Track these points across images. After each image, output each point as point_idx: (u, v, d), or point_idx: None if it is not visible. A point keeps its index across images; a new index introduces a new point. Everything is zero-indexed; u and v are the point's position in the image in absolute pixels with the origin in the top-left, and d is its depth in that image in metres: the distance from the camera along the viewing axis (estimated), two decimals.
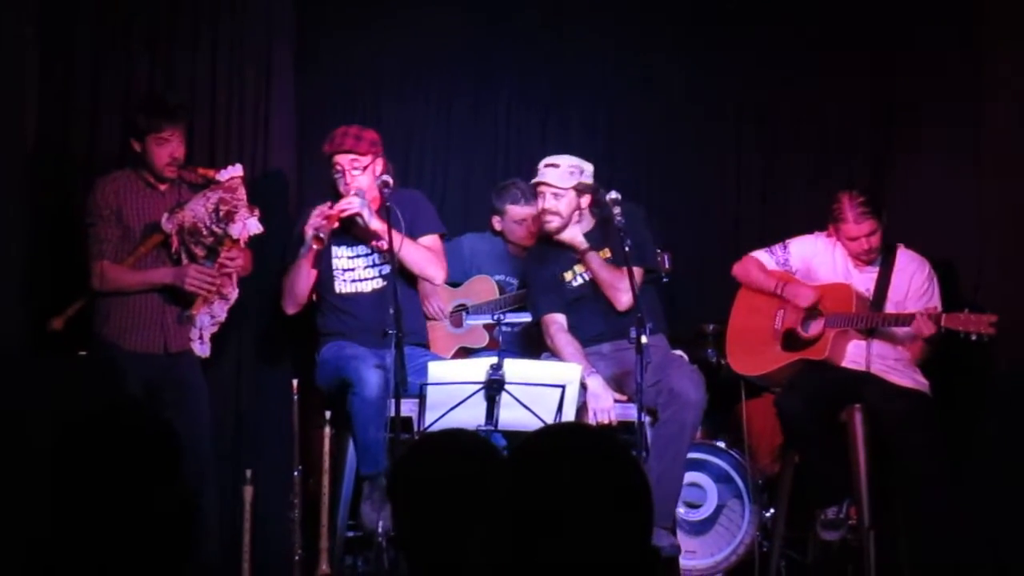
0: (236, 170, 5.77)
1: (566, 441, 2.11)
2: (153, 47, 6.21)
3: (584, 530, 1.97)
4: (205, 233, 5.67)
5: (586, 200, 6.00)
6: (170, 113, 5.74)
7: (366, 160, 5.83)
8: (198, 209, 5.66)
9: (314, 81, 7.05)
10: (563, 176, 5.95)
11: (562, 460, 2.04)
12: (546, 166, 5.97)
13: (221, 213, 5.65)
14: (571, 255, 6.02)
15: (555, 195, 5.94)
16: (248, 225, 5.69)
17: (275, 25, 6.42)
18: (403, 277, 5.81)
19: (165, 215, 5.67)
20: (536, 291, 6.14)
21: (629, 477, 2.04)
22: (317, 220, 5.73)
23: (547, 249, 6.11)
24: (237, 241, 5.69)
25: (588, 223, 6.03)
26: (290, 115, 6.49)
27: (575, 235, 5.96)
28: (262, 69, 6.37)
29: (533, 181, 6.02)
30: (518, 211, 6.67)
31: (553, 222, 5.97)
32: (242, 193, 5.71)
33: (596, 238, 5.98)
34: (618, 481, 2.03)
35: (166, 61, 6.23)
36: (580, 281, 6.03)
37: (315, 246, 5.72)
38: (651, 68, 7.46)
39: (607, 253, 5.95)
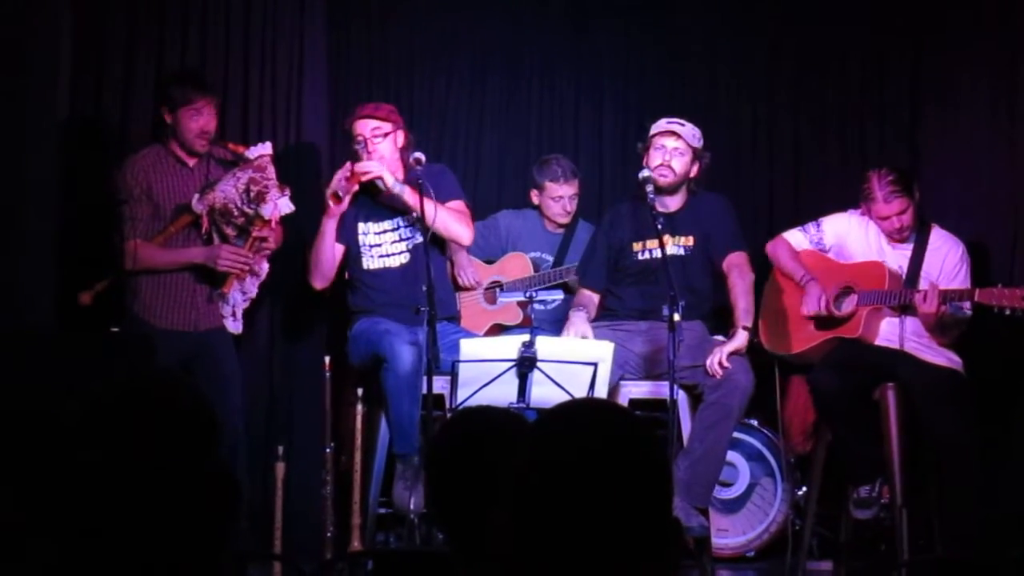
0: (265, 148, 5.78)
1: (583, 414, 2.11)
2: (186, 23, 6.22)
3: (600, 503, 1.97)
4: (236, 214, 5.67)
5: (695, 170, 5.94)
6: (202, 84, 5.77)
7: (387, 127, 5.86)
8: (228, 190, 5.66)
9: (347, 60, 7.06)
10: (691, 135, 5.92)
11: (578, 433, 2.04)
12: (671, 122, 5.92)
13: (252, 194, 5.64)
14: (652, 226, 5.82)
15: (676, 150, 5.88)
16: (279, 205, 5.69)
17: (307, 4, 6.42)
18: (432, 247, 5.81)
19: (196, 196, 5.67)
20: (589, 257, 6.14)
21: (646, 449, 2.04)
22: (336, 181, 5.74)
23: (628, 212, 6.05)
24: (268, 221, 5.69)
25: (680, 200, 5.96)
26: (323, 92, 6.50)
27: None
28: (295, 46, 6.37)
29: (659, 130, 5.92)
30: (555, 188, 6.67)
31: (668, 176, 5.86)
32: (271, 172, 5.71)
33: (685, 219, 5.91)
34: (635, 453, 2.02)
35: (199, 37, 6.23)
36: (647, 256, 5.97)
37: (331, 203, 5.72)
38: (683, 46, 7.43)
39: (689, 240, 5.89)
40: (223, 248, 5.69)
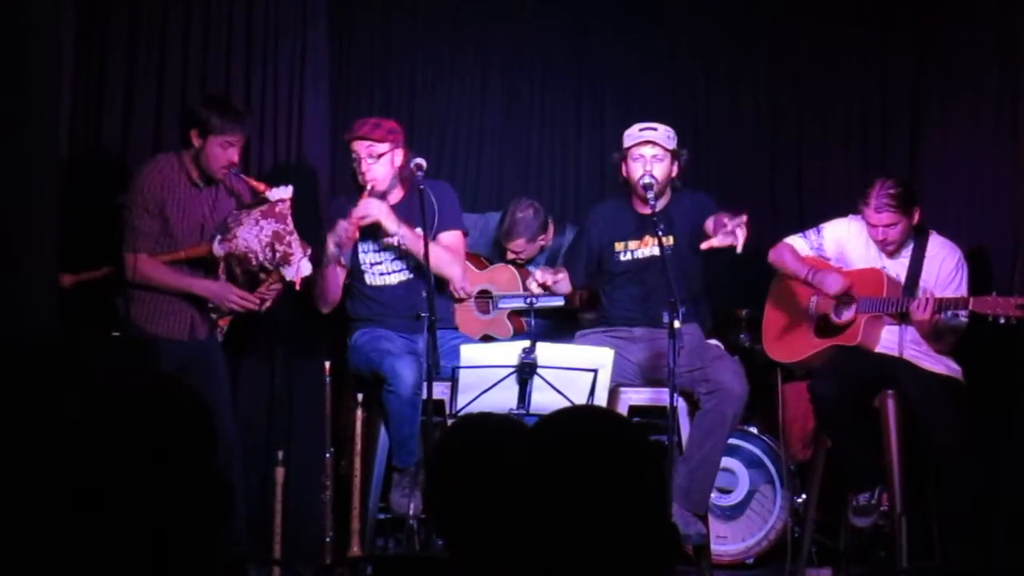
0: (286, 191, 5.68)
1: (577, 422, 2.11)
2: (188, 35, 6.20)
3: (595, 509, 1.97)
4: (255, 265, 5.63)
5: (675, 170, 5.87)
6: (241, 118, 5.69)
7: (382, 148, 5.80)
8: (251, 240, 5.58)
9: (348, 69, 7.08)
10: (665, 138, 5.84)
11: (572, 440, 2.04)
12: (643, 129, 5.84)
13: (278, 254, 5.59)
14: (636, 227, 5.89)
15: (655, 157, 5.79)
16: (301, 267, 5.64)
17: (309, 13, 6.42)
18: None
19: (217, 237, 5.61)
20: (572, 257, 6.13)
21: (640, 456, 2.04)
22: (338, 234, 5.72)
23: (610, 212, 6.04)
24: (291, 282, 5.66)
25: (665, 202, 5.87)
26: (324, 103, 6.50)
27: None
28: (296, 57, 6.37)
29: (635, 141, 5.82)
30: (503, 240, 6.70)
31: (654, 186, 5.76)
32: (291, 223, 5.63)
33: (671, 219, 5.81)
34: (628, 460, 2.03)
35: (201, 44, 6.22)
36: (628, 257, 5.95)
37: (339, 268, 5.75)
38: (684, 50, 7.45)
39: (670, 240, 5.77)
40: (233, 291, 5.67)
